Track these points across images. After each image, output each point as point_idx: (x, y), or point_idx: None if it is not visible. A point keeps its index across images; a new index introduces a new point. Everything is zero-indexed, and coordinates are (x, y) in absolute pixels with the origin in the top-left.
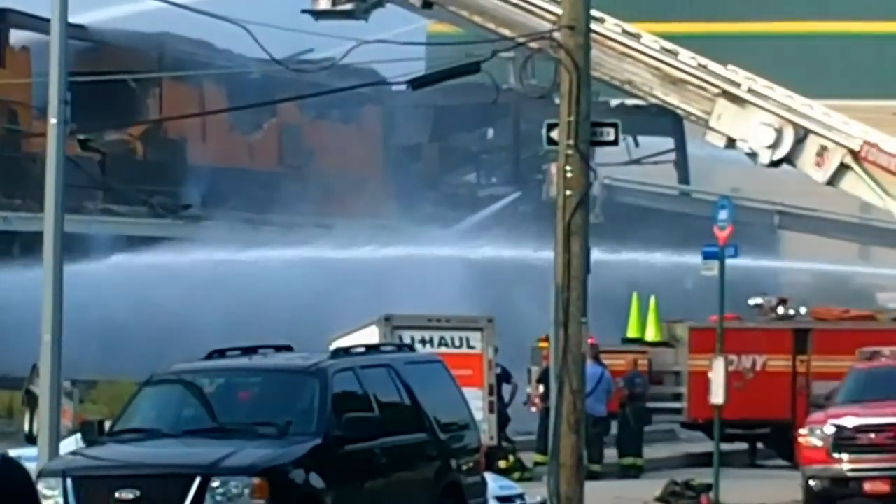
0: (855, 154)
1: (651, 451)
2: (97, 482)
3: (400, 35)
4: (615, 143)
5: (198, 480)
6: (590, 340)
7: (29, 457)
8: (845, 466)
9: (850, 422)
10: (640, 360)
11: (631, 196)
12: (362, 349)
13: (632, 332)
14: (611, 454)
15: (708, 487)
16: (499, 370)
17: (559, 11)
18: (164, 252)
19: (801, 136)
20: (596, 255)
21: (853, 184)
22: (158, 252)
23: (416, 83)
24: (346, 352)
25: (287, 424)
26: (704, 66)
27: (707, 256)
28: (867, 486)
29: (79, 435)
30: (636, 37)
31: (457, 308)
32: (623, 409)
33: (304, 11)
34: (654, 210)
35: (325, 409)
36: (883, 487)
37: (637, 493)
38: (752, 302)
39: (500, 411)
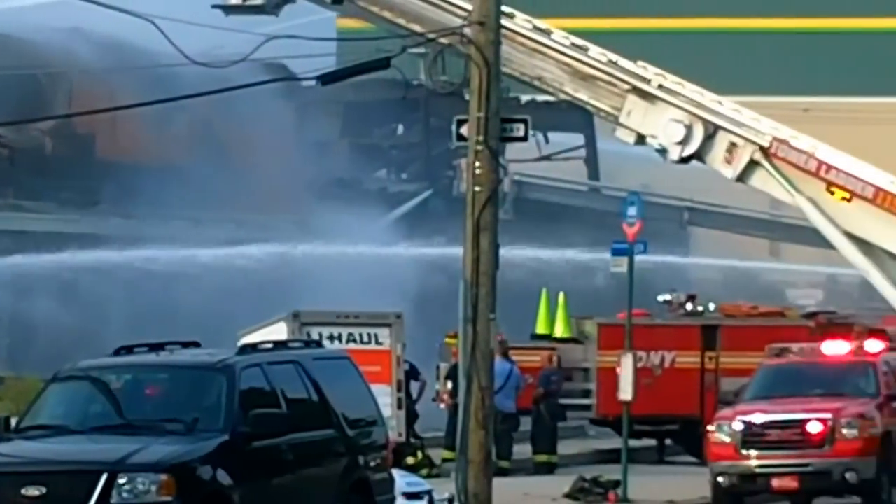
0: (765, 150)
1: (560, 448)
2: (3, 479)
3: (307, 26)
4: (525, 139)
5: (104, 477)
6: (498, 337)
7: None
8: (753, 463)
9: (758, 418)
10: (555, 356)
11: (541, 192)
12: (270, 345)
13: (541, 329)
14: (521, 450)
15: (616, 484)
16: (407, 367)
17: (469, 7)
18: (73, 248)
19: (711, 132)
20: (505, 251)
21: (763, 180)
22: (68, 248)
23: (326, 79)
24: (253, 348)
25: (194, 421)
26: (615, 63)
27: (616, 253)
28: (775, 483)
29: None
30: (547, 33)
31: (365, 304)
32: (537, 405)
33: (214, 7)
34: (564, 206)
35: (232, 406)
36: (791, 484)
37: (545, 490)
38: (661, 298)
39: (409, 408)
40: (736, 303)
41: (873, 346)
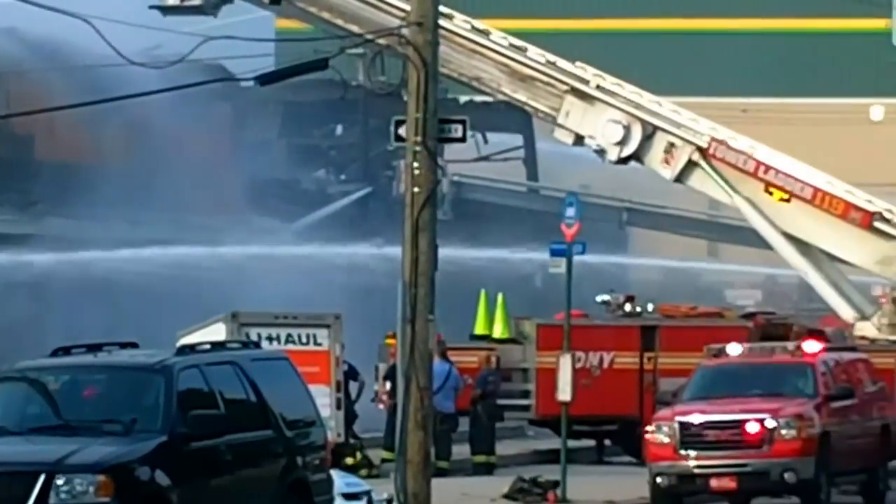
0: (703, 151)
1: (499, 448)
2: None
3: (245, 25)
4: (463, 139)
5: (42, 478)
6: (437, 337)
7: None
8: (692, 463)
9: (696, 419)
10: (493, 357)
11: (479, 193)
12: (208, 346)
13: (479, 330)
14: (461, 451)
15: (555, 484)
16: (346, 367)
17: (407, 8)
18: (9, 249)
19: (650, 133)
20: (444, 251)
21: (701, 181)
22: (5, 250)
23: (264, 79)
24: (191, 349)
25: (132, 422)
26: (553, 63)
27: (554, 253)
28: (713, 483)
29: None
30: (485, 33)
31: (304, 305)
32: (475, 406)
33: (151, 7)
34: (503, 207)
35: (170, 407)
36: (729, 484)
37: (484, 490)
38: (599, 299)
39: (348, 408)
40: (674, 303)
41: (811, 346)
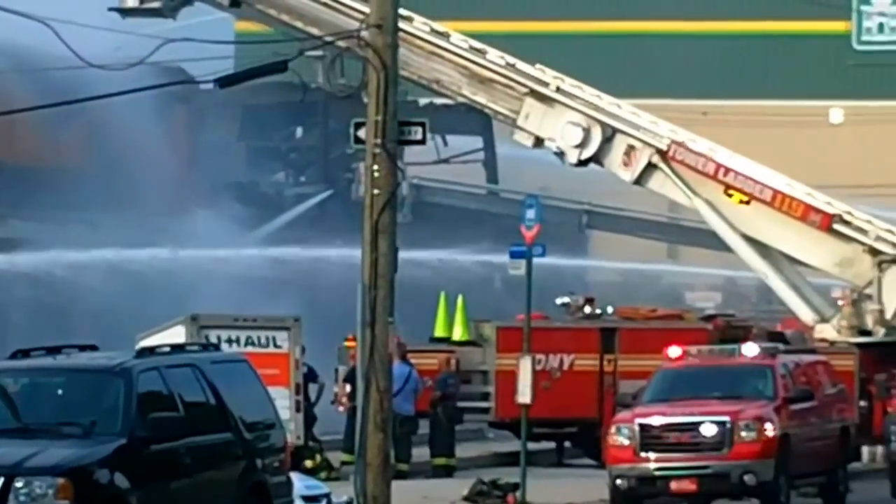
0: (662, 153)
1: (459, 451)
2: None
3: (204, 26)
4: (423, 142)
5: (1, 481)
6: (397, 340)
7: None
8: (652, 465)
9: (656, 421)
10: (453, 360)
11: (439, 195)
12: (167, 349)
13: (439, 332)
14: (421, 453)
15: (515, 487)
16: (305, 369)
17: (367, 10)
18: None
19: (609, 135)
20: (404, 254)
21: (661, 183)
22: None
23: (224, 82)
24: (151, 351)
25: (92, 424)
26: (513, 66)
27: (514, 256)
28: (673, 485)
29: None
30: (445, 36)
31: (264, 308)
32: (435, 409)
33: (111, 9)
34: (463, 209)
35: (129, 409)
36: (689, 486)
37: (444, 493)
38: (559, 301)
39: (307, 411)
40: (634, 306)
41: (749, 349)
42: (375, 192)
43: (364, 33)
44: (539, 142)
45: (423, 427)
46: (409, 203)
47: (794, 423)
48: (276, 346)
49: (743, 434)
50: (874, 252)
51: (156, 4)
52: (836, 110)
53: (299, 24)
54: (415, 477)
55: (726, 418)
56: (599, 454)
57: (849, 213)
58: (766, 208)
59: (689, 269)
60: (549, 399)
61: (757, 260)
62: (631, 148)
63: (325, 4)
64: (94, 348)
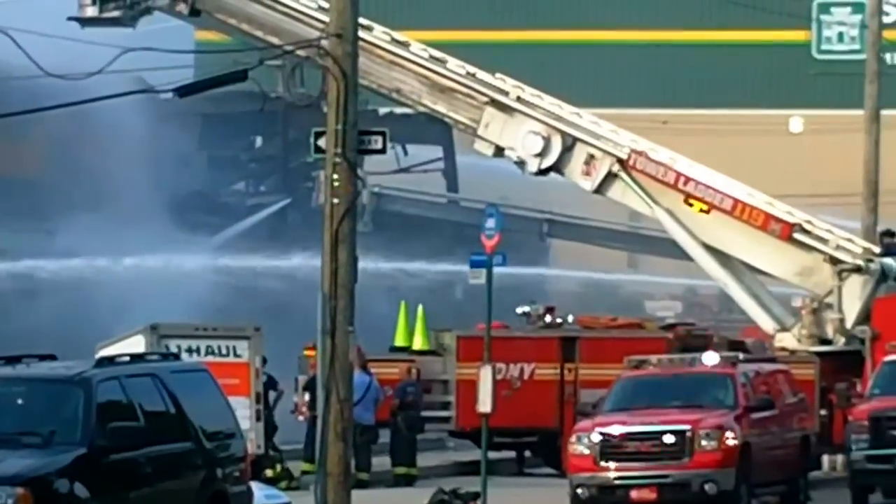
0: (623, 163)
1: (420, 460)
2: None
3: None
4: (383, 151)
5: None
6: (357, 349)
7: None
8: (612, 474)
9: (616, 430)
10: (413, 369)
11: (400, 204)
12: (127, 358)
13: (399, 341)
14: (381, 462)
15: (476, 496)
16: (265, 378)
17: (326, 19)
18: None
19: (569, 144)
20: (364, 263)
21: (621, 192)
22: None
23: (183, 91)
24: (110, 361)
25: (51, 434)
26: (473, 75)
27: (474, 265)
28: (634, 494)
29: None
30: (405, 45)
31: (223, 317)
32: (395, 418)
33: (70, 19)
34: (423, 218)
35: (89, 419)
36: (649, 495)
37: (405, 502)
38: (519, 310)
39: (268, 420)
40: (595, 315)
41: (709, 358)
42: (335, 201)
43: (324, 42)
44: (499, 151)
45: (384, 436)
46: (370, 212)
47: (755, 431)
48: (236, 355)
49: (703, 443)
50: (834, 261)
51: (115, 14)
52: (797, 119)
53: (259, 34)
54: (375, 486)
55: (687, 427)
56: (560, 463)
57: (809, 222)
58: (726, 217)
59: (650, 278)
60: (509, 408)
61: (717, 269)
62: (591, 157)
63: (286, 14)
64: (53, 358)
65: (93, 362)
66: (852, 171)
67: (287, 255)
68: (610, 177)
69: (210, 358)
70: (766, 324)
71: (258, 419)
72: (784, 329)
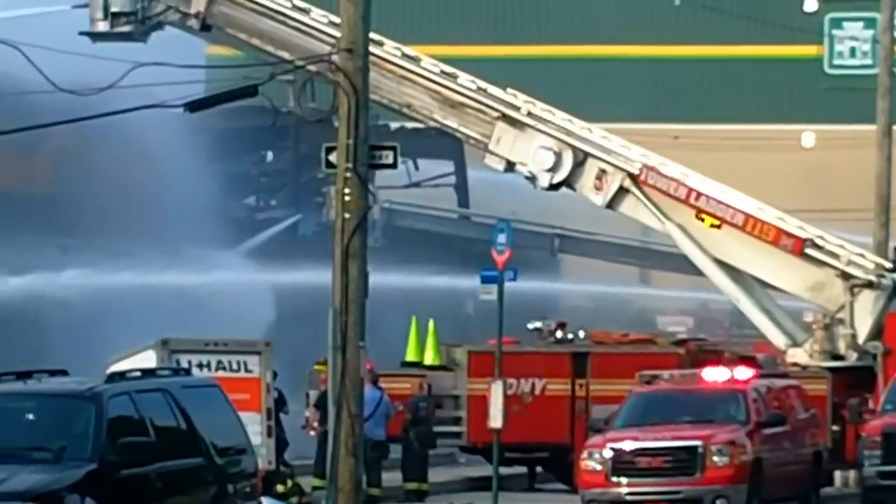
0: (634, 178)
1: (431, 476)
2: None
3: (175, 50)
4: (394, 166)
5: None
6: (368, 365)
7: None
8: (623, 490)
9: (628, 445)
10: (424, 384)
11: (410, 219)
12: (138, 373)
13: (410, 356)
14: (392, 478)
15: None
16: (276, 394)
17: (338, 34)
18: None
19: (581, 159)
20: (375, 278)
21: (633, 207)
22: None
23: (194, 106)
24: (121, 376)
25: (62, 449)
26: (484, 90)
27: (486, 280)
28: None
29: None
30: (416, 60)
31: (235, 332)
32: (407, 433)
33: (81, 34)
34: (434, 233)
35: (100, 434)
36: None
37: None
38: (530, 326)
39: (279, 435)
40: (606, 330)
41: (742, 373)
42: (346, 216)
43: (335, 57)
44: (510, 166)
45: (395, 452)
46: (381, 227)
47: (767, 447)
48: (247, 370)
49: (715, 459)
50: (846, 276)
51: (126, 29)
52: (808, 134)
53: (270, 49)
54: (386, 502)
55: (698, 443)
56: (571, 479)
57: (821, 237)
58: (737, 233)
59: (661, 293)
60: (520, 424)
61: (729, 284)
62: (602, 172)
63: (296, 28)
64: (64, 373)
65: (104, 378)
66: (864, 186)
67: (298, 269)
68: (621, 192)
69: (221, 373)
70: (778, 339)
71: (269, 435)
72: (796, 344)
